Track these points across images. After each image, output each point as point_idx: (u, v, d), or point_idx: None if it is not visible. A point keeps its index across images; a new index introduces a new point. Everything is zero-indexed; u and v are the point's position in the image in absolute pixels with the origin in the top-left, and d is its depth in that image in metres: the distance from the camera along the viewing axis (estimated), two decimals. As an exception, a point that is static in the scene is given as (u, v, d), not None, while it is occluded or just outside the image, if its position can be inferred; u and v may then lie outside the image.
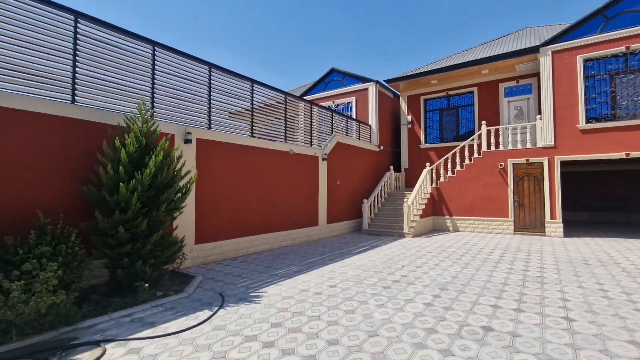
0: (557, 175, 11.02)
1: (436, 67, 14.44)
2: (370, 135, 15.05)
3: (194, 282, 5.74)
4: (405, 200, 11.58)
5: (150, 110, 5.47)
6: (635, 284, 5.52)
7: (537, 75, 12.98)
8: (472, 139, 13.24)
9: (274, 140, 9.69)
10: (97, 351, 3.39)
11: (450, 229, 12.80)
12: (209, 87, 7.84)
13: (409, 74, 15.01)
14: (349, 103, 16.11)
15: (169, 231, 5.68)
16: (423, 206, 12.29)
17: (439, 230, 12.79)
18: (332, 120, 12.50)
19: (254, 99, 9.06)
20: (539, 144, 11.42)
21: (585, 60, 10.85)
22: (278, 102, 10.19)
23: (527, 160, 11.53)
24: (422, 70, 14.78)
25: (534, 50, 11.81)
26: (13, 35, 4.92)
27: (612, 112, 10.52)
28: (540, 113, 12.27)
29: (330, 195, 11.69)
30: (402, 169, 15.80)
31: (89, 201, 5.17)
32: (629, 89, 10.34)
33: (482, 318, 4.14)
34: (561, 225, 10.89)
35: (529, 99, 13.42)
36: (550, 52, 11.29)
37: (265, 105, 9.72)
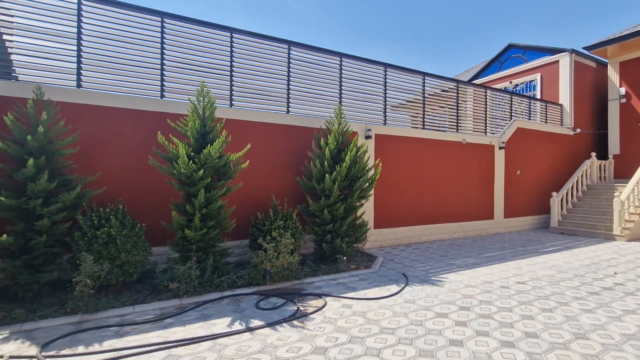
0: None
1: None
2: (561, 117, 12.65)
3: (378, 261, 6.55)
4: (616, 194, 9.28)
5: (343, 114, 6.50)
6: None
7: None
8: None
9: (445, 131, 9.59)
10: (321, 301, 4.51)
11: (695, 235, 9.45)
12: (385, 85, 8.51)
13: (629, 32, 11.67)
14: (531, 81, 13.95)
15: (358, 216, 6.65)
16: (645, 203, 9.55)
17: (672, 236, 9.66)
18: (510, 104, 11.22)
19: (424, 89, 9.22)
20: None
21: None
22: (443, 91, 9.98)
23: None
24: (647, 26, 11.25)
25: None
26: (251, 66, 6.82)
27: None
28: None
29: (509, 187, 10.62)
30: (610, 156, 12.58)
31: (301, 189, 6.66)
32: None
33: None
34: None
35: None
36: None
37: (429, 95, 9.66)
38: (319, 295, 4.70)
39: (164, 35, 6.00)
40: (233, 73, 6.61)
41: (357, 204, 6.41)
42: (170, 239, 5.15)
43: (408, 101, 9.47)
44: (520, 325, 3.73)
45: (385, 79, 8.52)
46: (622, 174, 12.08)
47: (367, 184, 6.39)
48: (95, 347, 3.26)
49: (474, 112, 10.64)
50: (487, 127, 10.66)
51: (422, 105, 9.25)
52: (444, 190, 9.27)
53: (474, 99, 10.70)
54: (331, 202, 5.96)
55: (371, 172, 6.66)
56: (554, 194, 10.71)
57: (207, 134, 4.99)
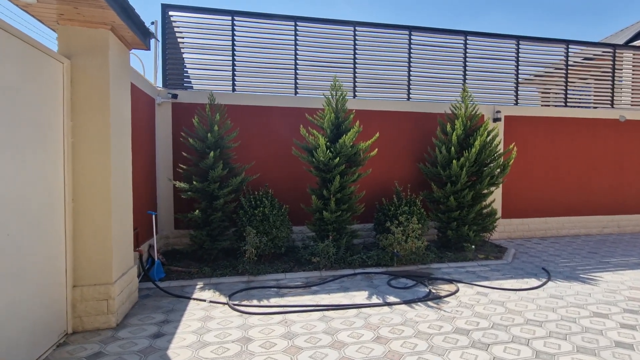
0: None
1: None
2: None
3: (509, 253, 6.13)
4: None
5: (471, 96, 6.19)
6: None
7: None
8: None
9: (592, 108, 8.14)
10: (452, 286, 4.54)
11: None
12: (517, 60, 7.67)
13: None
14: None
15: (487, 204, 6.30)
16: None
17: None
18: (695, 67, 8.74)
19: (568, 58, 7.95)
20: None
21: None
22: (586, 59, 8.35)
23: None
24: None
25: None
26: (373, 56, 7.03)
27: None
28: None
29: (689, 173, 8.41)
30: None
31: (423, 175, 6.65)
32: None
33: None
34: None
35: None
36: None
37: (557, 68, 8.18)
38: (450, 281, 4.73)
39: (297, 37, 6.68)
40: (356, 65, 6.94)
41: (486, 191, 6.09)
42: (307, 219, 5.85)
43: (537, 75, 8.31)
44: None
45: (518, 53, 7.66)
46: None
47: (498, 170, 5.99)
48: (265, 302, 4.05)
49: (632, 82, 8.68)
50: (657, 100, 8.58)
51: (563, 79, 8.02)
52: (591, 177, 7.94)
53: (633, 66, 8.71)
54: (458, 189, 5.82)
55: (502, 158, 6.20)
56: None
57: (340, 125, 5.46)
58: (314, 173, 5.50)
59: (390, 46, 7.12)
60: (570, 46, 7.96)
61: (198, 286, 4.56)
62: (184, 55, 6.55)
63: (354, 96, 6.93)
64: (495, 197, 7.24)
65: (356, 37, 6.90)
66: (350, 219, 5.63)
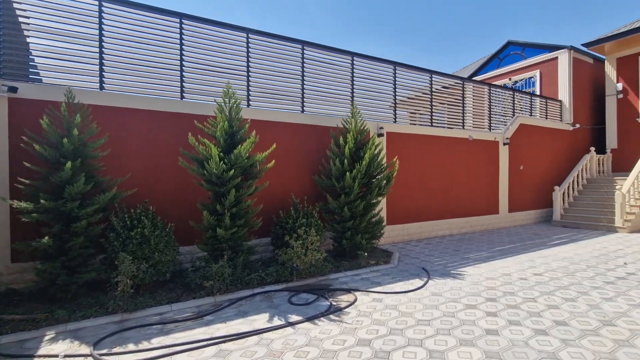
0: None
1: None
2: (560, 113, 12.94)
3: (395, 256, 6.70)
4: (617, 188, 9.58)
5: (359, 112, 6.62)
6: None
7: None
8: None
9: (452, 128, 9.78)
10: (351, 296, 4.64)
11: (692, 225, 9.81)
12: (394, 83, 8.64)
13: (626, 29, 11.98)
14: (530, 78, 14.21)
15: (375, 213, 6.78)
16: (645, 196, 9.88)
17: (671, 227, 10.02)
18: (513, 100, 11.46)
19: (431, 85, 9.37)
20: None
21: None
22: (444, 87, 10.11)
23: None
24: (644, 23, 11.56)
25: None
26: (267, 66, 6.89)
27: None
28: None
29: (512, 182, 10.87)
30: (608, 150, 12.93)
31: (319, 187, 6.76)
32: None
33: None
34: None
35: None
36: None
37: (424, 93, 9.72)
38: (348, 290, 4.83)
39: (182, 36, 6.04)
40: (250, 73, 6.67)
41: (375, 200, 6.55)
42: (198, 238, 5.23)
43: (409, 98, 9.59)
44: (547, 314, 3.91)
45: (395, 77, 8.65)
46: (620, 168, 12.43)
47: (384, 182, 6.52)
48: (145, 344, 3.34)
49: (474, 109, 10.82)
50: (491, 123, 10.88)
51: (429, 102, 9.41)
52: (451, 186, 9.47)
53: (473, 96, 10.87)
54: (351, 199, 6.08)
55: (387, 170, 6.79)
56: (556, 188, 10.99)
57: (235, 134, 5.07)
58: (205, 187, 4.95)
59: (285, 58, 7.11)
60: (433, 76, 9.41)
61: (48, 337, 3.49)
62: (30, 40, 5.18)
63: (249, 105, 6.64)
64: (382, 206, 7.90)
65: (249, 44, 6.66)
66: (247, 234, 5.27)
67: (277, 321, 3.85)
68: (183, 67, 6.04)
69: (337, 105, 7.73)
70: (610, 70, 13.02)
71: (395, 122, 8.65)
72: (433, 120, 9.46)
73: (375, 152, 6.42)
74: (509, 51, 15.16)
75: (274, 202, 6.48)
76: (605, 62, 13.18)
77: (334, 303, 4.38)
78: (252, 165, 5.14)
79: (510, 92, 11.49)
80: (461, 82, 10.11)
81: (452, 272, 5.74)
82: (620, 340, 3.25)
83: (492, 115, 11.00)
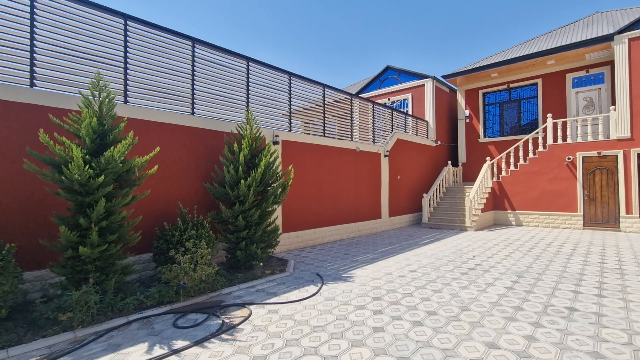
0: (634, 168, 10.59)
1: (497, 60, 14.26)
2: (427, 131, 15.30)
3: (290, 264, 6.72)
4: (466, 194, 11.76)
5: (255, 119, 6.46)
6: None
7: (610, 63, 12.40)
8: (537, 132, 13.01)
9: (342, 139, 10.48)
10: (245, 311, 4.40)
11: (513, 223, 12.77)
12: (290, 93, 8.79)
13: (468, 68, 14.97)
14: (404, 100, 16.44)
15: (271, 221, 6.68)
16: (484, 200, 12.41)
17: (500, 225, 12.83)
18: (392, 118, 13.00)
19: (320, 99, 9.88)
20: (613, 136, 11.02)
21: (668, 47, 10.27)
22: (335, 101, 10.88)
23: (599, 153, 11.17)
24: (483, 64, 14.67)
25: (608, 38, 11.34)
26: (150, 59, 6.15)
27: (700, 100, 9.89)
28: (613, 104, 11.77)
29: (392, 190, 12.27)
30: (460, 164, 15.86)
31: (210, 195, 6.31)
32: None
33: (564, 301, 4.58)
34: (638, 220, 10.49)
35: (600, 89, 12.85)
36: (626, 40, 10.80)
37: (317, 105, 10.33)
38: (242, 305, 4.57)
39: (34, 9, 4.88)
40: (128, 65, 5.83)
41: (271, 209, 6.46)
42: (53, 259, 4.21)
43: (304, 108, 9.94)
44: (422, 306, 4.45)
45: (290, 87, 8.82)
46: (469, 178, 15.37)
47: (280, 190, 6.50)
48: (-40, 411, 2.47)
49: (361, 123, 11.89)
50: (375, 137, 12.10)
51: (322, 114, 9.89)
52: (342, 193, 10.10)
53: (360, 111, 11.95)
54: (246, 208, 5.85)
55: (283, 178, 6.79)
56: (425, 195, 12.87)
57: (106, 134, 4.28)
58: (63, 196, 4.02)
59: (173, 54, 6.47)
60: (326, 89, 9.94)
61: None
62: None
63: (126, 101, 5.77)
64: (278, 214, 7.86)
65: (128, 32, 5.83)
66: (122, 251, 4.50)
67: (158, 350, 3.35)
68: (34, 48, 4.87)
69: (232, 110, 7.41)
70: (461, 99, 16.06)
71: (290, 130, 8.78)
72: (325, 131, 9.96)
73: (271, 159, 6.36)
74: (388, 75, 17.23)
75: (158, 213, 5.76)
76: (457, 92, 16.21)
77: (227, 320, 4.08)
78: (129, 171, 4.44)
79: (390, 111, 13.01)
80: (350, 98, 10.96)
81: (343, 275, 6.05)
82: (474, 322, 3.90)
83: (375, 130, 12.24)
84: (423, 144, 14.39)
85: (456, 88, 16.29)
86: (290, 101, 8.79)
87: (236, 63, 7.56)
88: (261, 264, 5.89)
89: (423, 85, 15.68)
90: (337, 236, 9.89)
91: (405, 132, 13.81)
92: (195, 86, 6.75)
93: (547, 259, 7.04)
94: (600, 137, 11.31)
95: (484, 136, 15.49)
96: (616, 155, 10.92)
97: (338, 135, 10.49)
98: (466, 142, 15.87)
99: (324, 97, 9.84)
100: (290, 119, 8.81)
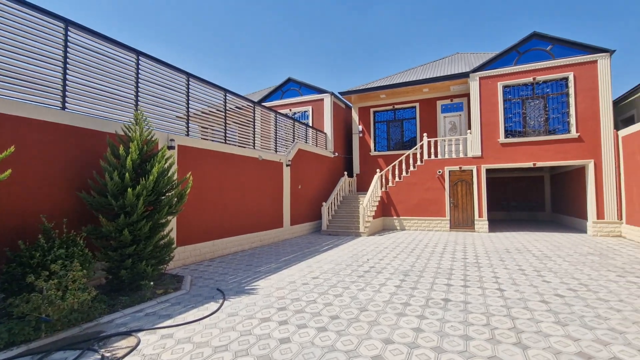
0: (484, 181, 13.21)
1: (384, 84, 16.09)
2: (326, 143, 16.16)
3: (186, 281, 6.14)
4: (360, 203, 12.77)
5: (146, 119, 5.78)
6: (542, 264, 7.29)
7: (467, 95, 15.28)
8: (415, 149, 15.07)
9: (244, 147, 10.22)
10: (132, 339, 3.82)
11: (398, 227, 14.41)
12: (187, 95, 8.17)
13: (361, 88, 16.48)
14: (305, 112, 17.06)
15: (165, 233, 6.00)
16: (375, 208, 13.69)
17: (388, 229, 14.32)
18: (293, 128, 13.31)
19: (219, 104, 9.50)
20: (469, 154, 13.54)
21: (504, 86, 13.23)
22: (237, 108, 10.61)
23: (460, 167, 13.58)
24: (373, 86, 16.35)
25: (465, 75, 13.98)
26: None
27: (524, 129, 13.00)
28: (470, 128, 14.51)
29: (293, 198, 12.49)
30: (354, 174, 17.19)
31: (86, 206, 5.34)
32: (535, 112, 12.89)
33: (440, 293, 5.34)
34: (487, 222, 13.07)
35: (460, 115, 15.70)
36: (477, 78, 13.51)
37: (218, 110, 9.94)
38: (128, 333, 3.95)
39: None
40: (-32, 41, 4.54)
41: (164, 220, 5.82)
42: None
43: (204, 112, 9.38)
44: (325, 311, 4.59)
45: (188, 88, 8.21)
46: (362, 188, 16.75)
47: (175, 199, 5.92)
48: None
49: (263, 131, 11.84)
50: (277, 147, 12.17)
51: (223, 120, 9.48)
52: (244, 203, 9.80)
53: (262, 119, 11.91)
54: (134, 220, 5.13)
55: (180, 186, 6.22)
56: (324, 203, 13.49)
57: None
58: None
59: (36, 33, 5.31)
60: (228, 95, 9.59)
61: None
62: None
63: (-37, 87, 4.47)
64: (172, 226, 7.14)
65: (-30, 0, 4.56)
66: (-50, 283, 3.40)
67: (8, 406, 2.62)
68: None
69: (117, 108, 6.47)
70: (355, 115, 17.51)
71: (188, 135, 8.14)
72: (227, 138, 9.56)
73: (166, 166, 5.76)
74: (290, 86, 17.66)
75: (9, 229, 4.58)
76: (352, 109, 17.64)
77: (108, 354, 3.47)
78: (-33, 176, 3.42)
79: (292, 121, 13.31)
80: (252, 105, 10.80)
81: (246, 288, 5.83)
82: (372, 322, 4.21)
83: (278, 139, 12.33)
84: (322, 154, 15.12)
85: (351, 105, 17.71)
86: (188, 104, 8.17)
87: (123, 55, 6.67)
88: (152, 283, 5.21)
89: (322, 99, 16.57)
90: (239, 247, 9.51)
91: (306, 142, 14.30)
92: (67, 77, 5.68)
93: (425, 258, 8.13)
94: (461, 155, 13.78)
95: (375, 150, 17.18)
96: (472, 170, 13.44)
97: (240, 143, 10.19)
98: (360, 154, 17.32)
99: (225, 102, 9.46)
100: (187, 123, 8.18)
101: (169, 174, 5.78)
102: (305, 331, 3.95)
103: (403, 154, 15.53)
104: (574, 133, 12.08)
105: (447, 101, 15.90)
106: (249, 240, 9.92)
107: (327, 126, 16.31)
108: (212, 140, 9.05)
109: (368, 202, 13.25)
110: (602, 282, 5.83)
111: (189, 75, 8.21)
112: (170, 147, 7.28)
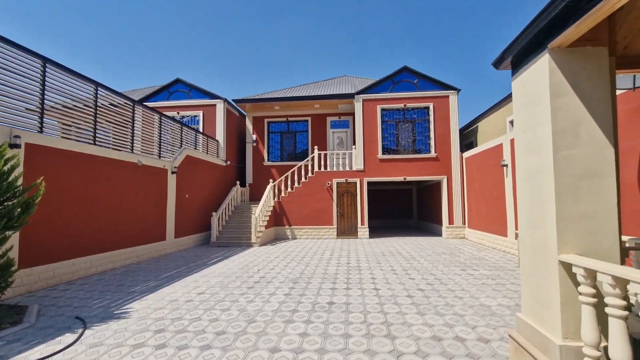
0: (365, 192, 14.67)
1: (279, 96, 16.47)
2: (217, 150, 15.49)
3: (32, 311, 4.98)
4: (252, 213, 12.61)
5: (-22, 109, 4.56)
6: (409, 264, 8.47)
7: (352, 114, 16.85)
8: (307, 161, 15.77)
9: (120, 150, 8.99)
10: (-62, 396, 2.88)
11: (290, 237, 14.72)
12: (43, 84, 6.77)
13: (256, 97, 16.47)
14: (195, 116, 16.06)
15: (1, 253, 4.75)
16: (267, 218, 13.71)
17: (280, 239, 14.48)
18: (181, 133, 12.37)
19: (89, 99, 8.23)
20: (354, 168, 14.89)
21: (382, 109, 15.10)
22: (112, 105, 9.35)
23: (346, 180, 14.80)
24: (268, 97, 16.52)
25: (351, 96, 15.43)
26: None
27: (397, 148, 15.03)
28: (354, 144, 15.99)
29: (179, 209, 11.51)
30: (247, 184, 16.90)
31: None
32: (406, 133, 15.08)
33: (326, 297, 5.67)
34: (367, 229, 14.50)
35: (347, 132, 17.19)
36: (361, 100, 15.07)
37: (87, 105, 8.69)
38: None
39: None
40: None
41: (2, 236, 4.63)
42: None
43: (66, 107, 7.92)
44: (210, 328, 4.35)
45: (44, 76, 6.82)
46: (255, 198, 16.57)
47: (19, 210, 4.78)
48: None
49: (144, 134, 10.66)
50: (162, 152, 11.08)
51: (92, 117, 8.17)
52: (119, 213, 8.55)
53: (144, 121, 10.74)
54: (-50, 239, 3.93)
55: (25, 194, 5.07)
56: (214, 213, 12.83)
57: None
58: None
59: None
60: (99, 89, 8.33)
61: None
62: None
63: None
64: (13, 243, 5.74)
65: None
66: None
67: None
68: None
69: None
70: (249, 124, 17.35)
71: (42, 132, 6.71)
72: (97, 139, 8.25)
73: (5, 168, 4.62)
74: (178, 88, 16.42)
75: None
76: (247, 117, 17.44)
77: None
78: None
79: (179, 125, 12.34)
80: (132, 104, 9.63)
81: (115, 312, 5.06)
82: (259, 332, 4.18)
83: (162, 144, 11.24)
84: (214, 162, 14.43)
85: (245, 113, 17.49)
86: (43, 94, 6.77)
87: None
88: (-24, 318, 4.04)
89: (215, 105, 15.90)
90: (108, 265, 8.20)
91: (196, 149, 13.44)
92: None
93: (314, 265, 8.52)
94: (347, 168, 15.04)
95: (268, 160, 17.28)
96: (356, 182, 14.79)
97: (115, 145, 8.92)
98: (253, 164, 17.16)
99: (96, 97, 8.19)
100: (42, 117, 6.75)
101: (9, 179, 4.65)
102: (186, 352, 3.66)
103: (295, 165, 16.06)
104: (433, 153, 14.56)
105: (336, 118, 17.21)
106: (121, 256, 8.66)
107: (220, 133, 15.69)
108: (77, 141, 7.67)
109: (260, 211, 13.17)
110: (450, 276, 7.12)
111: (45, 60, 6.83)
112: (14, 145, 5.88)
